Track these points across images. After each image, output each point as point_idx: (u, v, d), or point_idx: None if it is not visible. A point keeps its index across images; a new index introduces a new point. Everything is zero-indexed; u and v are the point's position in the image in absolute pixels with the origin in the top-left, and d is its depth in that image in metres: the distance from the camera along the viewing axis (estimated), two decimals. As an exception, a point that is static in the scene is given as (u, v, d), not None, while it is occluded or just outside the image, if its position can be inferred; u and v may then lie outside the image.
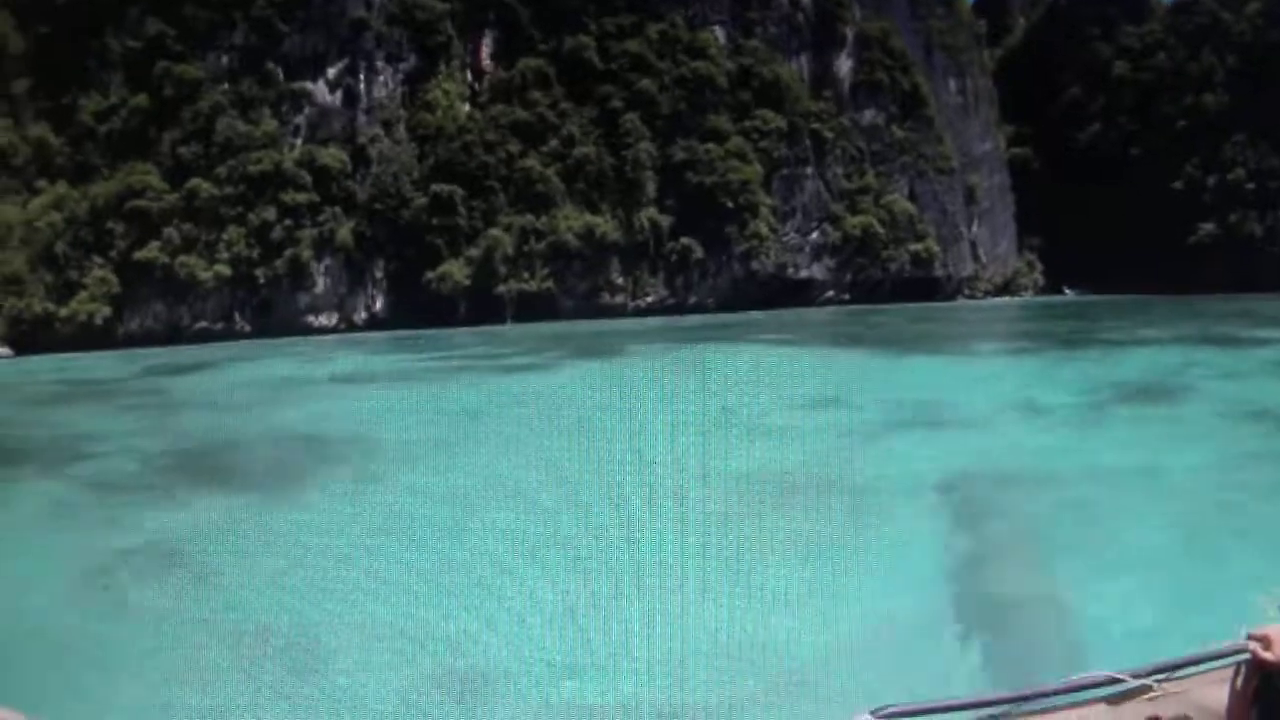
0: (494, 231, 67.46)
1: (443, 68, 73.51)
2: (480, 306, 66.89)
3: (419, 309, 67.34)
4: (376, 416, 26.57)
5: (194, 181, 70.02)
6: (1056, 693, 2.73)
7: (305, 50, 72.76)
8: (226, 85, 72.48)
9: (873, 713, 2.70)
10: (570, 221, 68.85)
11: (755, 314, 69.85)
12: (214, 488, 18.86)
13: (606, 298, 70.43)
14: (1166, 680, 2.75)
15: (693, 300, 73.01)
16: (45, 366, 53.86)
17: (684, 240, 72.20)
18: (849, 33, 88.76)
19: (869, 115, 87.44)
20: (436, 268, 67.39)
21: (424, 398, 30.77)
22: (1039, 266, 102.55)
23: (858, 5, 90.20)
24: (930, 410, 25.10)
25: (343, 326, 69.30)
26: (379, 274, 69.63)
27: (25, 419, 33.38)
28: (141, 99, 72.41)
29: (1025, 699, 2.71)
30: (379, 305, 69.79)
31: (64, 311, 69.33)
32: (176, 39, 73.12)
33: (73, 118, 73.88)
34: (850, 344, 48.38)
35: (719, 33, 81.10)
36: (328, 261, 69.25)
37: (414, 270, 68.49)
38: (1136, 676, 2.73)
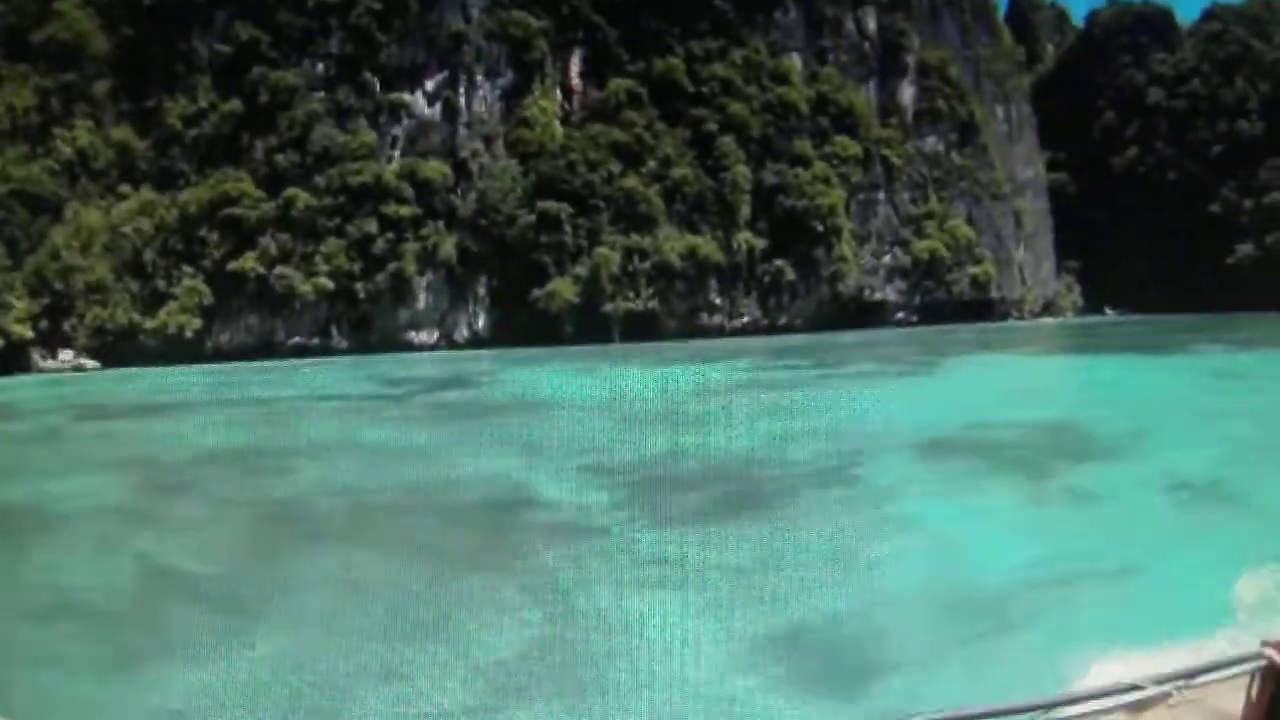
0: (601, 250, 68.25)
1: (538, 85, 73.98)
2: (585, 325, 67.49)
3: (522, 327, 67.43)
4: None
5: (291, 191, 69.14)
6: (1078, 699, 2.82)
7: (403, 61, 72.60)
8: (323, 93, 71.91)
9: None
10: (673, 242, 70.01)
11: (845, 335, 71.40)
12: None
13: (705, 317, 71.79)
14: (1185, 687, 2.83)
15: (782, 321, 74.73)
16: (205, 381, 49.71)
17: (777, 262, 73.86)
18: (911, 61, 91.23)
19: (931, 142, 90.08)
20: (543, 285, 67.88)
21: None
22: (1077, 288, 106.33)
23: (917, 34, 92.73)
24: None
25: (443, 344, 69.24)
26: (481, 291, 69.88)
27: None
28: (234, 104, 71.45)
29: (1048, 706, 2.77)
30: (481, 323, 70.03)
31: (151, 323, 67.42)
32: (270, 45, 72.38)
33: (158, 121, 72.55)
34: (1077, 351, 55.91)
35: (796, 59, 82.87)
36: (430, 277, 69.21)
37: (517, 288, 68.74)
38: (1156, 683, 2.81)
